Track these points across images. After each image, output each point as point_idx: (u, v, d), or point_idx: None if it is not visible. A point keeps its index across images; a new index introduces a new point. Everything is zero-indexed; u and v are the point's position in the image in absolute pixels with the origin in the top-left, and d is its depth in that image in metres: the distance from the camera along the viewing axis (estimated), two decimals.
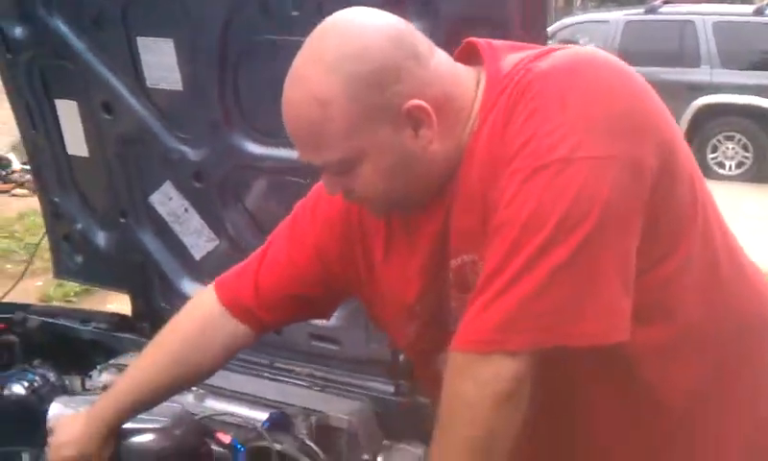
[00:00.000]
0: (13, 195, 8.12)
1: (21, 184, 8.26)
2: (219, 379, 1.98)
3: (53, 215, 2.49)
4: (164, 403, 1.57)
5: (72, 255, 2.51)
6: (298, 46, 1.81)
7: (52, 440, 1.54)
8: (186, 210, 2.28)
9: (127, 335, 2.35)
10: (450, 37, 1.66)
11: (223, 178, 2.17)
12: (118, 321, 2.42)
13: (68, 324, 2.39)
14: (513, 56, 1.22)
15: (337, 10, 1.76)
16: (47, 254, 5.86)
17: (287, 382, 2.10)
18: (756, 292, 1.33)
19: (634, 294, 1.11)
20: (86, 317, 2.44)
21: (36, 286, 5.22)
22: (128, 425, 1.53)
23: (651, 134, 1.14)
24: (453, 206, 1.24)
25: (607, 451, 1.29)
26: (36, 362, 2.08)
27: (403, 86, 1.16)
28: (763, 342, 1.34)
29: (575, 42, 11.23)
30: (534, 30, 1.65)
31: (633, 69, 1.20)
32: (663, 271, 1.17)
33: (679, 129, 1.24)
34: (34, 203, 7.55)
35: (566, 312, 1.08)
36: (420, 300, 1.34)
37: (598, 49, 1.35)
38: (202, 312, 1.54)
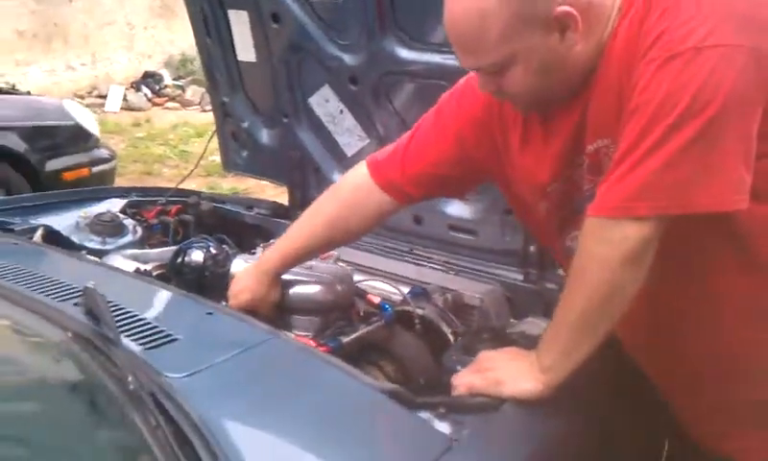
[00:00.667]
0: (166, 108, 8.65)
1: (173, 98, 8.81)
2: (364, 260, 2.26)
3: (223, 114, 2.78)
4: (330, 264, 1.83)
5: (239, 151, 2.81)
6: None
7: (230, 289, 1.83)
8: (341, 112, 2.51)
9: (285, 221, 2.59)
10: None
11: (376, 81, 2.37)
12: (278, 208, 2.70)
13: (234, 209, 2.69)
14: None
15: None
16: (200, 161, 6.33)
17: (426, 266, 2.31)
18: None
19: (753, 176, 1.24)
20: (250, 203, 2.73)
21: (191, 187, 5.67)
22: (298, 277, 1.80)
23: None
24: (591, 98, 1.39)
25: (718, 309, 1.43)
26: None
27: None
28: None
29: None
30: None
31: None
32: None
33: None
34: (185, 115, 8.12)
35: (691, 183, 1.22)
36: (553, 182, 1.51)
37: None
38: (356, 185, 1.77)
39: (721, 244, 1.35)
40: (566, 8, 1.29)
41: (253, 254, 2.28)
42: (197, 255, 2.04)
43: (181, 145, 6.88)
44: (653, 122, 1.23)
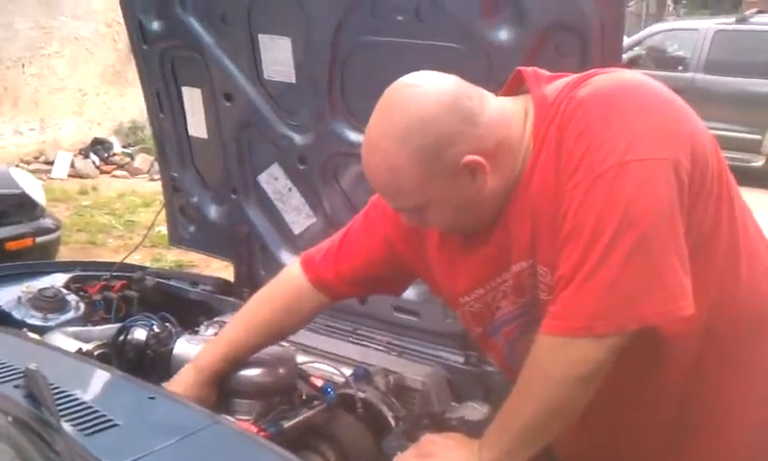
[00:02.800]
0: (114, 176, 8.60)
1: (121, 166, 8.76)
2: (308, 340, 2.27)
3: (172, 188, 2.79)
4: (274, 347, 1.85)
5: (186, 225, 2.82)
6: (400, 47, 2.08)
7: (167, 385, 1.79)
8: (290, 189, 2.55)
9: (229, 298, 2.62)
10: (538, 42, 1.90)
11: (324, 161, 2.43)
12: (223, 285, 2.70)
13: (179, 285, 2.68)
14: (556, 82, 1.44)
15: (432, 18, 2.02)
16: (144, 230, 6.27)
17: (368, 347, 2.33)
18: None
19: None
20: (195, 279, 2.73)
21: (135, 259, 5.60)
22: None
23: (683, 140, 1.34)
24: (510, 223, 1.46)
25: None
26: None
27: (460, 147, 1.38)
28: None
29: (664, 50, 11.17)
30: (610, 36, 1.85)
31: (662, 85, 1.41)
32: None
33: (709, 136, 1.43)
34: (133, 184, 8.07)
35: (640, 296, 1.28)
36: (469, 294, 1.59)
37: (633, 72, 1.52)
38: (291, 284, 1.83)
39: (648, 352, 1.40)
40: (472, 157, 1.38)
41: (197, 332, 2.28)
42: (139, 334, 2.03)
43: (127, 215, 6.84)
44: (591, 243, 1.29)
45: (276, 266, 2.58)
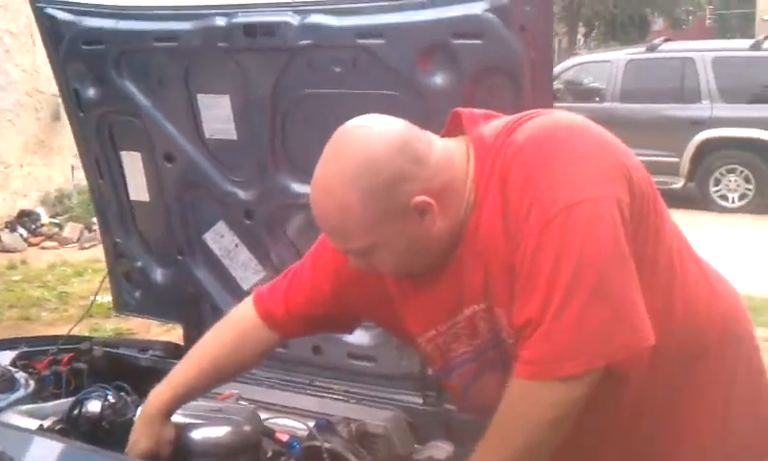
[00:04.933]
0: (43, 248, 8.38)
1: (50, 237, 8.54)
2: (266, 395, 2.27)
3: (115, 255, 2.75)
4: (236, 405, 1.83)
5: (131, 291, 2.78)
6: (339, 97, 2.11)
7: (129, 442, 1.79)
8: (236, 246, 2.55)
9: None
10: (472, 85, 1.97)
11: (270, 214, 2.45)
12: (173, 349, 2.65)
13: (128, 352, 2.63)
14: (493, 123, 1.50)
15: (369, 68, 2.07)
16: (81, 302, 6.14)
17: (326, 397, 2.33)
18: (718, 317, 1.57)
19: None
20: (144, 346, 2.68)
21: (74, 331, 5.46)
22: (204, 420, 1.79)
23: (621, 176, 1.40)
24: (462, 267, 1.50)
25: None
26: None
27: (409, 187, 1.41)
28: (725, 361, 1.57)
29: (580, 82, 11.56)
30: (541, 73, 1.93)
31: (591, 124, 1.47)
32: None
33: (642, 166, 1.50)
34: (63, 254, 7.90)
35: (605, 333, 1.33)
36: (421, 336, 1.62)
37: (563, 112, 1.58)
38: (241, 322, 1.82)
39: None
40: (421, 198, 1.42)
41: None
42: (94, 406, 1.99)
43: (60, 286, 6.68)
44: (551, 287, 1.34)
45: None
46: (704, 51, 10.25)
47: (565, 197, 1.34)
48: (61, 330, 3.32)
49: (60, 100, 7.67)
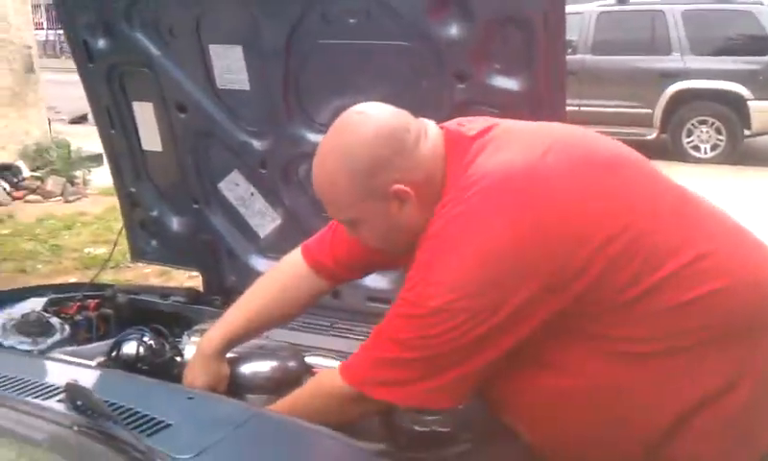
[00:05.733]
0: (27, 201, 8.31)
1: (33, 191, 8.48)
2: (292, 337, 2.35)
3: (130, 204, 2.80)
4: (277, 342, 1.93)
5: (148, 240, 2.83)
6: (352, 48, 2.16)
7: (184, 379, 1.90)
8: (252, 194, 2.62)
9: (202, 307, 2.65)
10: (485, 36, 2.03)
11: (285, 164, 2.51)
12: (194, 295, 2.73)
13: (151, 299, 2.70)
14: (474, 157, 1.55)
15: (382, 19, 2.11)
16: (73, 254, 6.13)
17: (349, 338, 2.40)
18: None
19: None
20: (165, 292, 2.75)
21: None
22: (252, 357, 1.88)
23: (522, 278, 1.43)
24: None
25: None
26: None
27: (390, 174, 1.55)
28: None
29: None
30: (553, 28, 1.97)
31: (547, 194, 1.47)
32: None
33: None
34: (49, 208, 7.87)
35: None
36: None
37: (536, 148, 1.54)
38: (291, 269, 1.96)
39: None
40: (401, 186, 1.55)
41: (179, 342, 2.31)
42: (132, 348, 2.06)
43: (51, 239, 6.68)
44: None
45: (245, 270, 2.67)
46: (674, 3, 10.31)
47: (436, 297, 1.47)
48: (59, 282, 3.35)
49: (32, 51, 7.51)
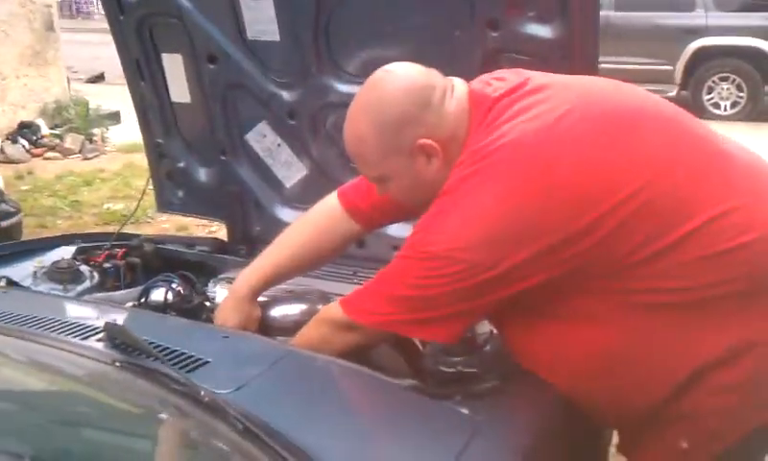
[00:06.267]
0: (46, 159, 8.38)
1: (52, 148, 8.54)
2: (315, 284, 2.36)
3: (157, 155, 2.82)
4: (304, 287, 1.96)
5: (174, 191, 2.85)
6: None
7: (216, 319, 1.93)
8: (279, 145, 2.62)
9: (227, 257, 2.68)
10: None
11: (314, 115, 2.51)
12: (219, 244, 2.77)
13: (177, 248, 2.73)
14: (494, 119, 1.56)
15: None
16: (93, 210, 6.16)
17: None
18: None
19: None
20: (191, 242, 2.79)
21: None
22: (281, 299, 1.92)
23: (518, 242, 1.47)
24: None
25: None
26: None
27: (416, 129, 1.58)
28: None
29: None
30: None
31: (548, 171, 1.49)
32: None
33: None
34: (68, 164, 7.95)
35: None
36: None
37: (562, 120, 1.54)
38: (327, 212, 1.98)
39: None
40: (426, 140, 1.58)
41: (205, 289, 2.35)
42: (161, 294, 2.09)
43: (70, 195, 6.74)
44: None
45: (270, 221, 2.68)
46: None
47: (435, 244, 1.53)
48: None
49: (52, 10, 7.51)
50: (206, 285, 2.41)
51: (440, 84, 1.62)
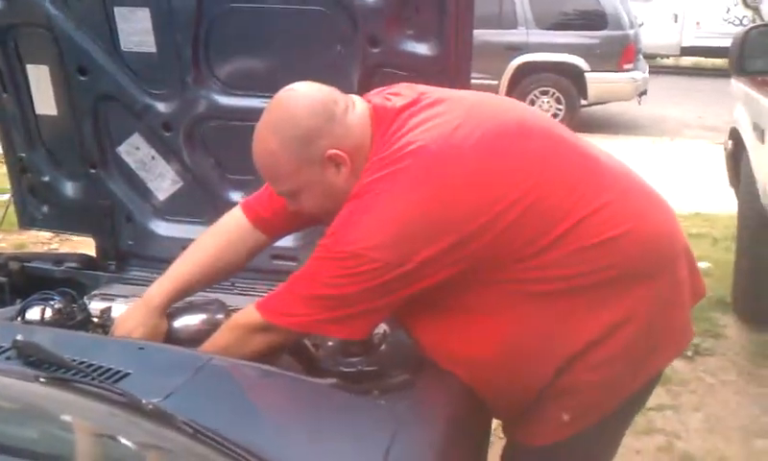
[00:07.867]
0: None
1: None
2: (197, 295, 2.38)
3: (19, 170, 2.71)
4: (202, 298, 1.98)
5: (38, 206, 2.74)
6: (266, 12, 2.22)
7: (120, 329, 1.91)
8: (153, 158, 2.60)
9: (97, 273, 2.63)
10: (400, 3, 2.14)
11: (190, 126, 2.51)
12: (87, 260, 2.70)
13: (44, 265, 2.63)
14: (397, 129, 1.69)
15: None
16: None
17: (253, 296, 2.45)
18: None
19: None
20: (58, 258, 2.69)
21: None
22: (183, 311, 1.93)
23: (428, 238, 1.60)
24: None
25: None
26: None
27: (324, 141, 1.68)
28: None
29: None
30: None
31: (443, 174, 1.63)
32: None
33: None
34: None
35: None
36: None
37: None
38: (233, 225, 2.02)
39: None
40: (334, 150, 1.69)
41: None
42: (35, 313, 2.04)
43: None
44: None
45: (144, 234, 2.67)
46: None
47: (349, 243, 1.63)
48: None
49: None
50: (79, 303, 2.36)
51: (341, 99, 1.72)
